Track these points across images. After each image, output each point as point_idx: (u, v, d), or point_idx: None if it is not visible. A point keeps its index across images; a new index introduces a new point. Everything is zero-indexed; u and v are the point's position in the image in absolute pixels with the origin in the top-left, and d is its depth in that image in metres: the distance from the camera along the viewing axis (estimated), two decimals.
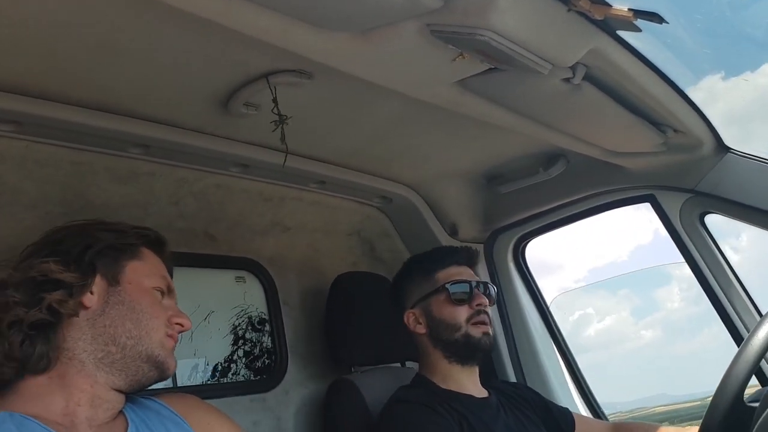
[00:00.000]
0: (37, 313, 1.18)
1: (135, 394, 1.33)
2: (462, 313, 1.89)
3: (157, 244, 1.41)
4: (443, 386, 1.89)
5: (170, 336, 1.31)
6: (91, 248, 1.27)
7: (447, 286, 1.92)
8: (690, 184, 2.15)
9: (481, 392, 1.94)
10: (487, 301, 1.93)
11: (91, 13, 1.27)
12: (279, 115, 1.66)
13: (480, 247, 2.67)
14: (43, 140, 1.73)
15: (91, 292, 1.25)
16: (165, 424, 1.32)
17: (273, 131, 1.67)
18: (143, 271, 1.33)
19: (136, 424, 1.27)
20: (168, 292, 1.37)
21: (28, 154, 1.73)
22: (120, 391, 1.26)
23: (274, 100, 1.62)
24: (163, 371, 1.29)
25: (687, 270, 2.65)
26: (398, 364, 2.33)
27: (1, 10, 1.23)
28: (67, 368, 1.20)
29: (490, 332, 1.92)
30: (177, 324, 1.33)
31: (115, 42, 1.39)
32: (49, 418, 1.15)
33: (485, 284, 1.97)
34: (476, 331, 1.89)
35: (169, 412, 1.35)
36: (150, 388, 1.37)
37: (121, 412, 1.28)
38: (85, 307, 1.23)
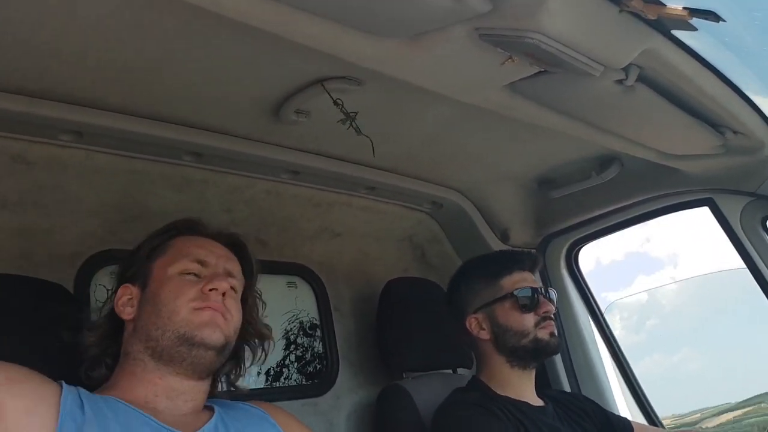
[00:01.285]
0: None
1: (222, 398, 1.44)
2: (529, 320, 1.88)
3: (185, 229, 1.46)
4: (500, 392, 1.87)
5: (200, 308, 1.31)
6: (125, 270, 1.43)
7: (515, 293, 1.90)
8: (751, 188, 2.08)
9: (537, 400, 1.92)
10: (552, 307, 1.92)
11: (146, 26, 1.31)
12: (347, 113, 1.67)
13: None
14: (102, 149, 1.79)
15: (131, 306, 1.36)
16: (252, 418, 1.42)
17: (347, 128, 1.69)
18: (166, 262, 1.37)
19: (221, 415, 1.36)
20: (201, 263, 1.38)
21: (88, 162, 1.79)
22: (193, 380, 1.31)
23: (336, 102, 1.64)
24: (199, 344, 1.28)
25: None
26: (450, 371, 2.32)
27: (59, 25, 1.28)
28: (134, 367, 1.31)
29: (556, 332, 1.91)
30: (211, 290, 1.33)
31: (169, 53, 1.42)
32: (138, 405, 1.24)
33: (547, 290, 1.95)
34: (544, 333, 1.88)
35: (256, 410, 1.45)
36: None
37: (208, 407, 1.37)
38: (128, 320, 1.36)
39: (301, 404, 2.13)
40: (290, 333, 2.23)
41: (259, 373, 2.11)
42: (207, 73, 1.54)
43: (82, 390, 1.20)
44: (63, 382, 1.19)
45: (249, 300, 1.50)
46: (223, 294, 1.34)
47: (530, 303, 1.89)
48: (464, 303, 1.98)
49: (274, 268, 2.23)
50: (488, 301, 1.93)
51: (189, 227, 1.47)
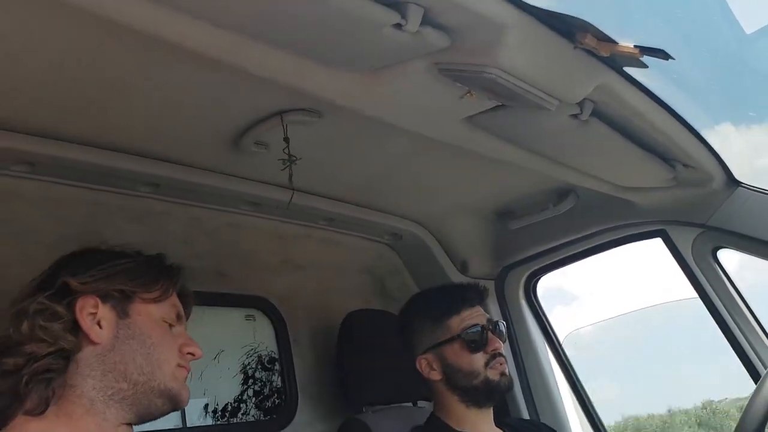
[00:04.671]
0: (45, 350, 1.13)
1: None
2: (479, 359, 1.84)
3: (169, 273, 1.36)
4: (458, 428, 1.86)
5: (182, 366, 1.27)
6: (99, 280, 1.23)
7: (462, 335, 1.85)
8: (701, 219, 2.13)
9: None
10: (501, 343, 1.88)
11: (103, 55, 1.29)
12: (289, 155, 1.66)
13: (491, 284, 2.66)
14: (57, 180, 1.75)
15: (100, 326, 1.18)
16: None
17: (282, 170, 1.68)
18: (152, 301, 1.27)
19: None
20: (178, 319, 1.32)
21: (44, 193, 1.75)
22: (128, 425, 1.22)
23: (286, 140, 1.63)
24: (176, 403, 1.25)
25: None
26: (410, 404, 2.30)
27: (15, 53, 1.26)
28: (74, 407, 1.14)
29: (507, 371, 1.87)
30: (188, 353, 1.29)
31: (126, 82, 1.41)
32: None
33: (496, 323, 1.91)
34: (494, 374, 1.84)
35: None
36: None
37: None
38: (94, 343, 1.17)
39: None
40: (248, 367, 2.19)
41: (215, 410, 2.06)
42: (166, 104, 1.53)
43: None
44: None
45: None
46: None
47: (479, 342, 1.85)
48: (413, 343, 1.94)
49: (232, 300, 2.19)
50: (437, 343, 1.88)
51: (172, 275, 1.34)
